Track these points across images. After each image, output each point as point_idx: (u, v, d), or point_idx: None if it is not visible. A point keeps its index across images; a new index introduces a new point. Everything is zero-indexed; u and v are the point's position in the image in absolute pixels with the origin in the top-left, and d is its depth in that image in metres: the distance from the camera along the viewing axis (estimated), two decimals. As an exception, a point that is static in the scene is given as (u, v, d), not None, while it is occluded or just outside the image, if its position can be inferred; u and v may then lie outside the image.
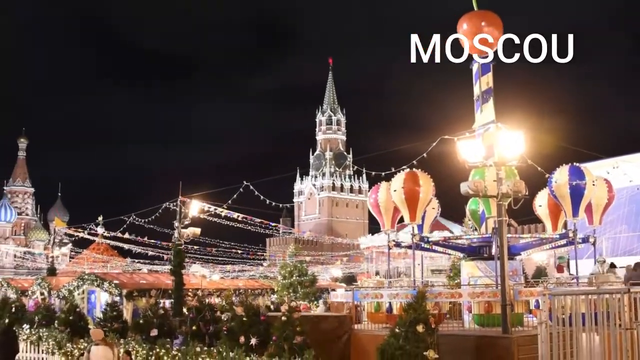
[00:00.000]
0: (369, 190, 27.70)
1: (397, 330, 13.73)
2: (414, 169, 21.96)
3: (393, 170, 22.51)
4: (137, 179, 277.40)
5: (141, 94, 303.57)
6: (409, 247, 22.74)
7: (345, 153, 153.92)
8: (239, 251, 51.60)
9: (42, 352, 26.95)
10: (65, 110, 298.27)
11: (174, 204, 28.05)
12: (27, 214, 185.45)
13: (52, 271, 44.21)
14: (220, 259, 53.37)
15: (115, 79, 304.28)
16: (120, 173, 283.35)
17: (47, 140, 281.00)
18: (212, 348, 18.07)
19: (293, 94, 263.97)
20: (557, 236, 22.23)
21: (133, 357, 19.72)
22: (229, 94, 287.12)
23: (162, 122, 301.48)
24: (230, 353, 16.06)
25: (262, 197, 31.98)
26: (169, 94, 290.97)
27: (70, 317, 25.11)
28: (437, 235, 24.17)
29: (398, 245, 23.65)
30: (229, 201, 30.17)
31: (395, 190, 21.86)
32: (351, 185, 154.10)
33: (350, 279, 56.90)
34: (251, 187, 30.03)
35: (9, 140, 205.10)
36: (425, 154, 21.22)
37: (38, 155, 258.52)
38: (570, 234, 21.22)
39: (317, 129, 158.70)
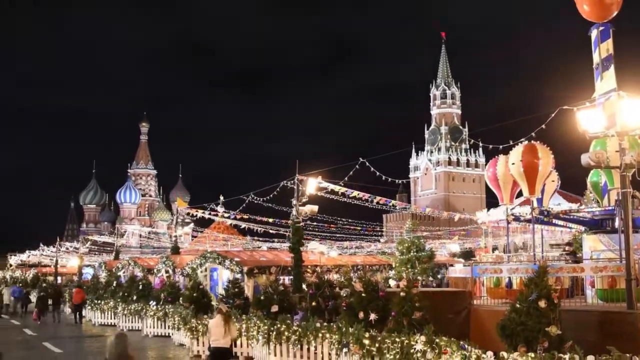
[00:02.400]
0: (486, 164, 27.33)
1: (518, 305, 13.53)
2: (532, 141, 21.53)
3: (511, 143, 22.12)
4: (254, 162, 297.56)
5: (241, 97, 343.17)
6: (528, 221, 22.37)
7: (460, 127, 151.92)
8: (357, 228, 51.78)
9: (168, 328, 27.96)
10: (180, 110, 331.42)
11: (292, 182, 28.31)
12: (150, 195, 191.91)
13: (175, 250, 45.51)
14: (338, 235, 53.75)
15: (223, 87, 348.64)
16: (238, 158, 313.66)
17: (166, 129, 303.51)
18: (331, 323, 18.26)
19: (399, 81, 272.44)
20: (685, 207, 21.38)
21: (254, 332, 20.17)
22: (321, 94, 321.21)
23: (274, 118, 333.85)
24: (350, 328, 16.19)
25: (378, 173, 31.93)
26: (263, 96, 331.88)
27: (194, 294, 25.86)
28: (557, 209, 23.65)
29: (517, 219, 23.29)
30: (346, 178, 30.24)
31: (513, 164, 21.50)
32: (467, 160, 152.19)
33: (468, 254, 56.42)
34: (367, 163, 30.02)
35: (132, 126, 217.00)
36: (543, 126, 20.66)
37: (158, 139, 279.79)
38: (700, 205, 20.36)
39: (431, 104, 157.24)
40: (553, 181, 23.74)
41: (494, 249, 45.37)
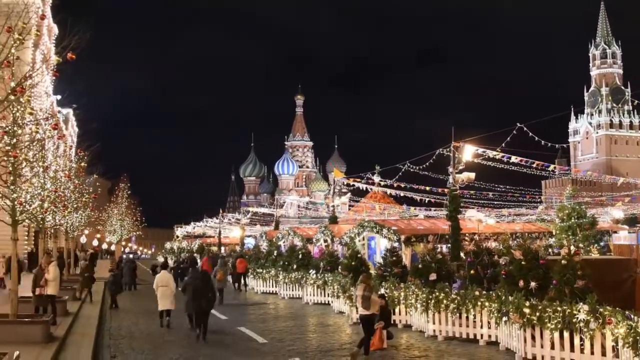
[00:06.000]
0: (651, 127, 26.16)
1: (687, 273, 13.05)
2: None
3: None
4: (405, 134, 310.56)
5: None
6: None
7: (622, 87, 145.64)
8: (515, 194, 50.79)
9: (328, 296, 28.59)
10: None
11: (448, 149, 28.07)
12: (307, 167, 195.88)
13: (333, 219, 46.15)
14: (495, 202, 52.93)
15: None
16: (390, 131, 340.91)
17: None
18: (490, 292, 18.17)
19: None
20: None
21: (413, 300, 20.35)
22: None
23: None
24: (510, 297, 16.08)
25: (536, 138, 31.18)
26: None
27: (353, 263, 26.23)
28: None
29: (686, 183, 22.25)
30: (503, 144, 29.69)
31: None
32: (631, 122, 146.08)
33: (633, 221, 54.23)
34: (525, 128, 29.38)
35: (288, 100, 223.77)
36: None
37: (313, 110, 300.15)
38: None
39: (590, 64, 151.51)
40: None
41: (661, 214, 43.46)
